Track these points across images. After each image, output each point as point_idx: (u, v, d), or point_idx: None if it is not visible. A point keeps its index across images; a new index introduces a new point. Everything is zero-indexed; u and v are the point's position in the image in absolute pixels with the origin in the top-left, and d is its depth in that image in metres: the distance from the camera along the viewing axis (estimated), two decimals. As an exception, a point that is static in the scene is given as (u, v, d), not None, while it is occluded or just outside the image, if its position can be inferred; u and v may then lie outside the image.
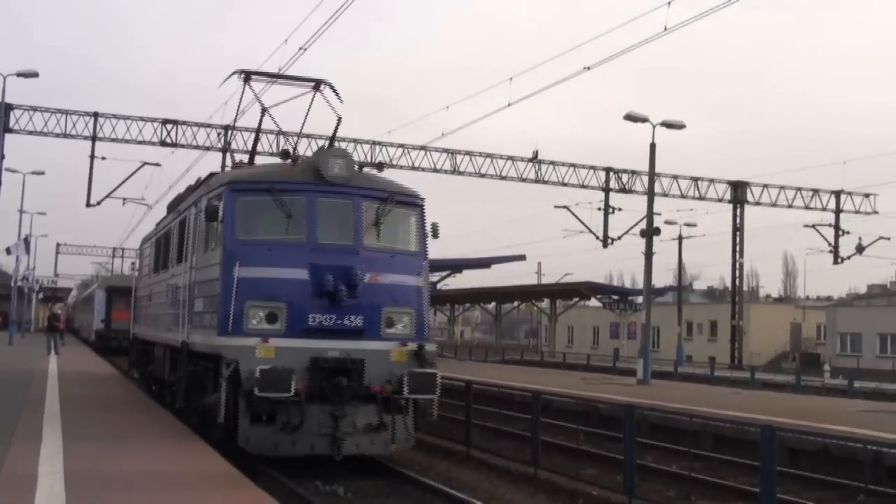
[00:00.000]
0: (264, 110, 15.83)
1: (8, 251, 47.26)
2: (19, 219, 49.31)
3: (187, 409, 14.45)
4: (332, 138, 14.65)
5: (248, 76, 15.61)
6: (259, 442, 11.94)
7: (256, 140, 17.83)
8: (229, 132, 38.15)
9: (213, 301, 12.73)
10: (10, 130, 35.11)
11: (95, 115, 37.38)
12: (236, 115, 17.54)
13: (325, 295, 12.20)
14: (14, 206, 48.48)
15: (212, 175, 15.54)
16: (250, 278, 12.21)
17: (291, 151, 14.78)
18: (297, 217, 12.64)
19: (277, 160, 15.57)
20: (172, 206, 18.58)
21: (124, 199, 34.77)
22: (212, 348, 12.61)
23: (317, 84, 15.56)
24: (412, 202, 13.76)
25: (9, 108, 34.58)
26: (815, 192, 46.68)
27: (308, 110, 16.00)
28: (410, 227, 13.73)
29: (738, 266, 49.34)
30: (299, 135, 17.07)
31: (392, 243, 13.39)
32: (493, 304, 75.17)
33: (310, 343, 12.21)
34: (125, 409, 15.97)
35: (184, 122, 38.61)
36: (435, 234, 14.17)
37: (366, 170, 14.06)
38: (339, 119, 14.54)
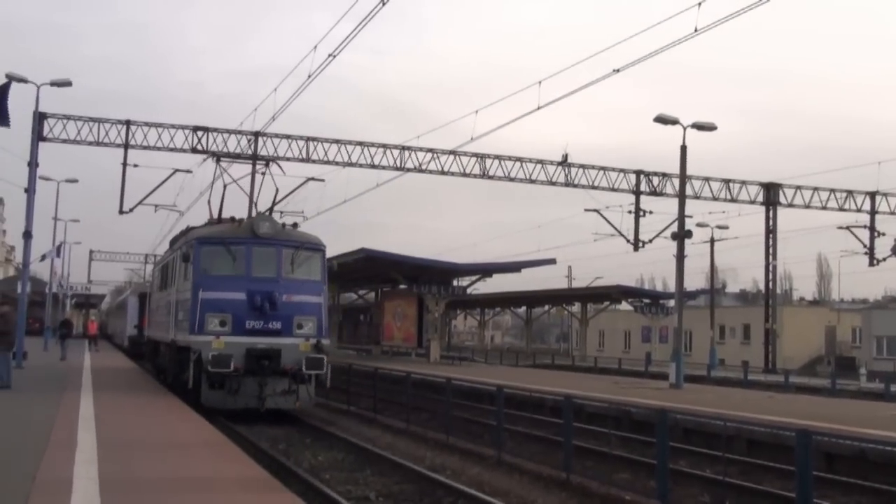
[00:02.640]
0: (225, 185, 23.24)
1: (43, 259, 47.78)
2: (53, 226, 49.95)
3: (174, 383, 21.48)
4: (272, 207, 22.59)
5: (218, 158, 23.88)
6: (214, 401, 18.47)
7: (221, 206, 23.39)
8: (259, 139, 38.57)
9: (188, 313, 19.35)
10: (44, 139, 35.47)
11: (128, 123, 37.72)
12: (211, 188, 24.31)
13: (257, 309, 18.87)
14: (48, 214, 49.05)
15: (190, 229, 23.41)
16: (209, 298, 18.95)
17: (254, 206, 23.26)
18: (239, 259, 19.58)
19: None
20: (172, 243, 25.98)
21: (156, 205, 34.84)
22: (186, 342, 19.45)
23: (267, 162, 24.67)
24: (316, 248, 20.51)
25: (43, 116, 34.99)
26: (850, 193, 46.08)
27: (262, 180, 23.84)
28: (315, 264, 20.34)
29: (771, 268, 48.83)
30: (253, 195, 24.33)
31: (303, 275, 19.99)
32: (523, 308, 74.94)
33: (246, 339, 18.72)
34: (158, 412, 16.11)
35: (214, 130, 38.83)
36: (332, 269, 21.85)
37: (288, 227, 20.66)
38: (277, 191, 23.01)
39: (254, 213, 22.86)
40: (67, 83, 29.87)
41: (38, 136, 33.85)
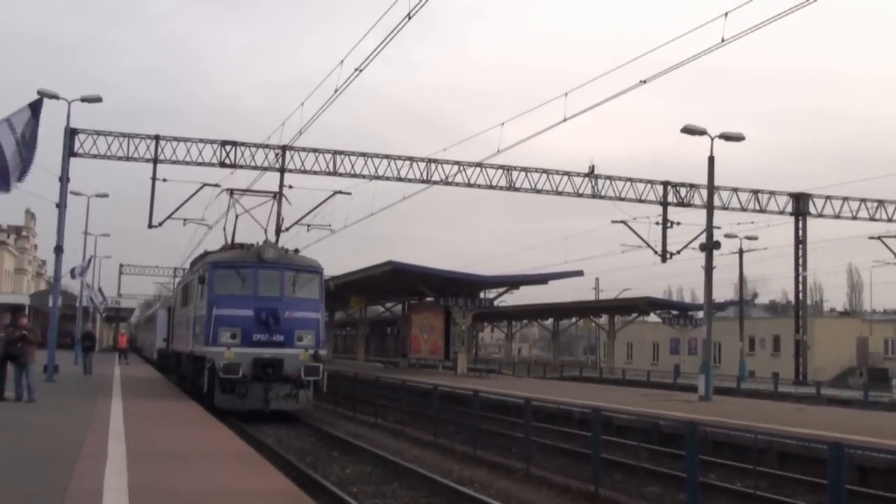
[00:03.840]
0: (237, 216, 26.13)
1: (73, 274, 48.17)
2: (84, 241, 50.42)
3: (192, 388, 24.17)
4: (277, 234, 27.33)
5: (232, 192, 26.41)
6: (225, 403, 21.08)
7: (234, 233, 26.29)
8: (287, 153, 38.82)
9: (203, 327, 22.13)
10: (75, 154, 35.89)
11: (157, 138, 38.14)
12: (226, 217, 27.24)
13: (262, 323, 21.62)
14: (79, 228, 49.53)
15: (206, 254, 26.16)
16: (222, 315, 21.71)
17: (266, 231, 26.22)
18: (248, 281, 22.37)
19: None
20: (192, 265, 29.62)
21: (185, 219, 35.09)
22: (202, 352, 22.32)
23: (275, 195, 27.67)
24: (315, 270, 23.33)
25: (74, 132, 35.40)
26: (881, 202, 45.63)
27: (271, 210, 26.84)
28: (314, 285, 23.07)
29: (801, 279, 48.39)
30: (278, 223, 28.37)
31: (303, 294, 22.68)
32: (550, 320, 74.72)
33: (253, 350, 21.48)
34: (185, 424, 16.17)
35: (242, 144, 39.22)
36: (329, 289, 25.28)
37: (290, 252, 23.66)
38: (282, 220, 27.47)
39: (273, 240, 26.04)
40: (97, 99, 30.13)
41: (69, 152, 34.18)
